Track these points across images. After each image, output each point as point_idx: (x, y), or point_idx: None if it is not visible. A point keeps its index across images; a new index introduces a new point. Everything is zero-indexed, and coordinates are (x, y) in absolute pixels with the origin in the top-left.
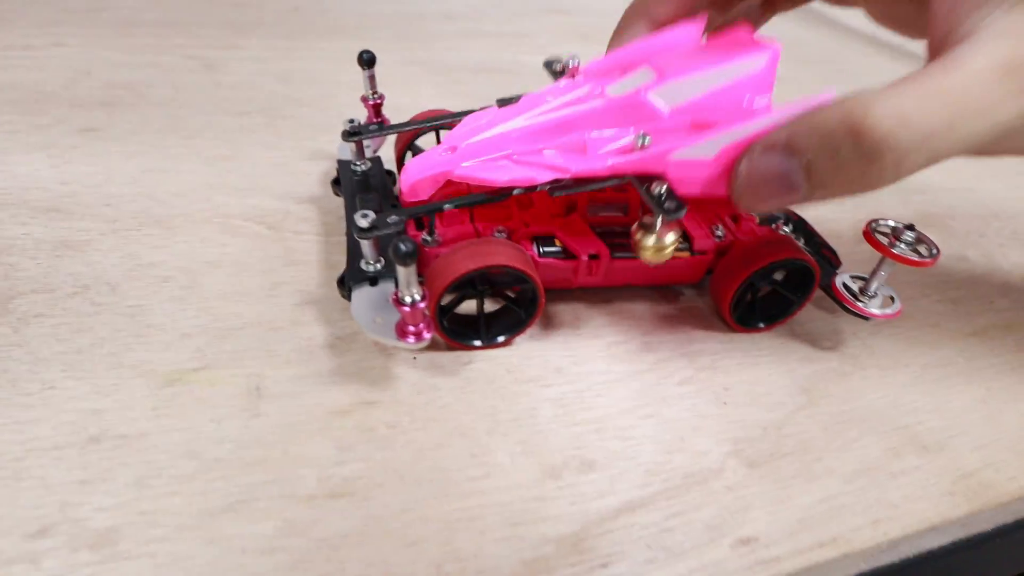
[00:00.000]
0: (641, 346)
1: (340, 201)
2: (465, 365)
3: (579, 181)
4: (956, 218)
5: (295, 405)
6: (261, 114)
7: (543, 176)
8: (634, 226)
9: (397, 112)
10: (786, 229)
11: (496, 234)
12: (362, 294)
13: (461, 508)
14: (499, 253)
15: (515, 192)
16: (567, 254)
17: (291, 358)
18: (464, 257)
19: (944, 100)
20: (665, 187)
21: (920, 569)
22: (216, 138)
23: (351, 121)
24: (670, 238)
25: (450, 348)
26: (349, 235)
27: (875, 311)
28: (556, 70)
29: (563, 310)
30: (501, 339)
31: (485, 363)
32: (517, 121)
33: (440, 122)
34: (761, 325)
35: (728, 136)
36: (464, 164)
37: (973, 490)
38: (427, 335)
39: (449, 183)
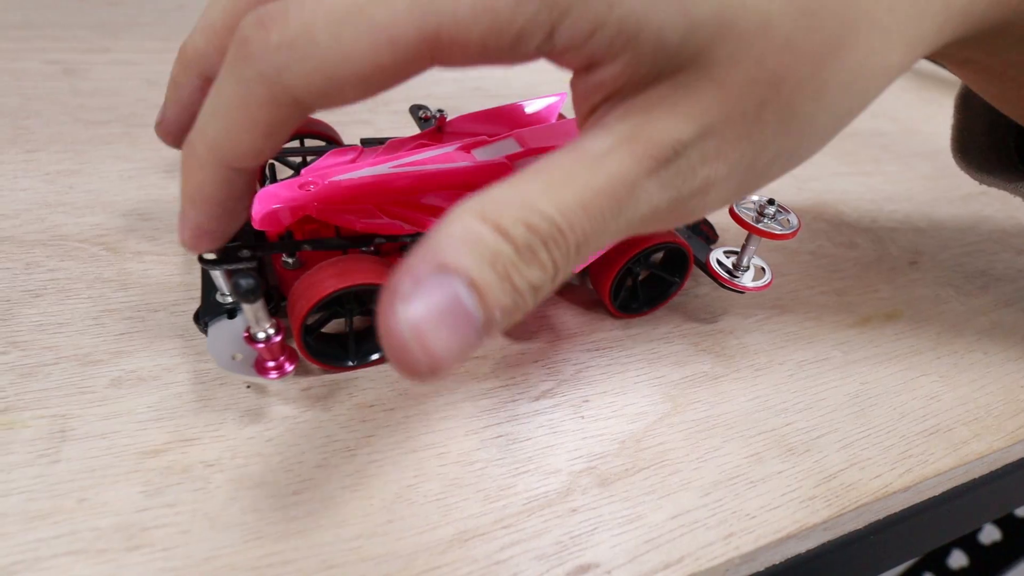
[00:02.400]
0: (500, 360)
1: None
2: (303, 391)
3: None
4: (848, 203)
5: (103, 447)
6: (120, 123)
7: (406, 228)
8: None
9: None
10: None
11: (364, 250)
12: (219, 329)
13: (274, 553)
14: (365, 271)
15: (376, 241)
16: None
17: (107, 395)
18: (327, 277)
19: (574, 189)
20: None
21: (789, 573)
22: (64, 151)
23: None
24: None
25: (324, 372)
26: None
27: (748, 284)
28: (421, 117)
29: None
30: (375, 357)
31: (324, 388)
32: (383, 167)
33: (303, 148)
34: (644, 309)
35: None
36: (324, 203)
37: (835, 492)
38: (289, 367)
39: (308, 217)
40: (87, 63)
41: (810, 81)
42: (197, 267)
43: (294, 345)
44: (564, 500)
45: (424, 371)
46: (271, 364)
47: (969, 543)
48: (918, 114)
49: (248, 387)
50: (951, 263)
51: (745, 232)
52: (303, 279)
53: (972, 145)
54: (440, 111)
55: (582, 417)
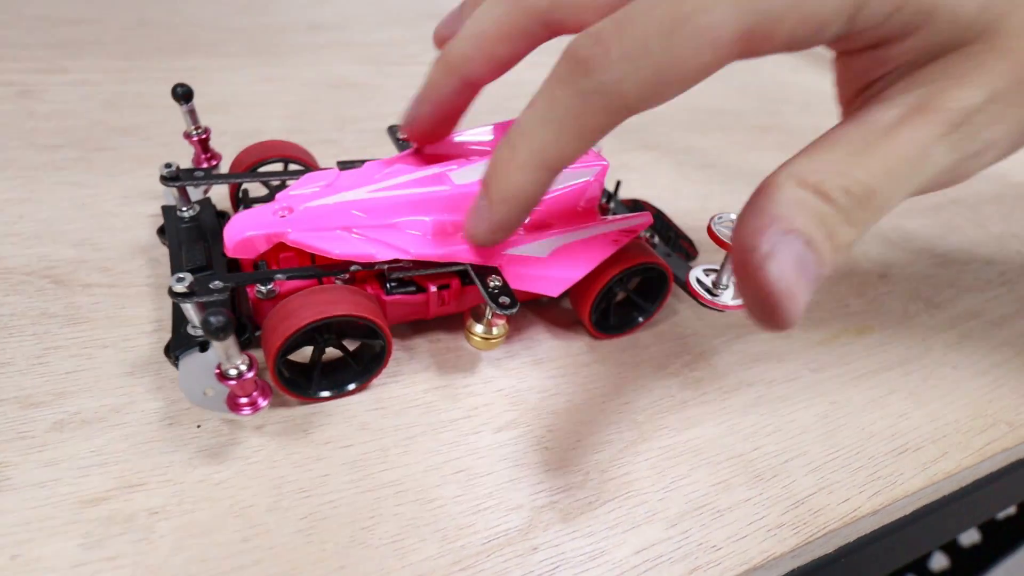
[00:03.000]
0: (461, 389)
1: (154, 245)
2: (257, 429)
3: (417, 264)
4: None
5: (41, 497)
6: (74, 147)
7: (382, 254)
8: (467, 311)
9: (239, 139)
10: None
11: (339, 279)
12: (190, 363)
13: None
14: (341, 301)
15: (352, 268)
16: (418, 288)
17: (47, 440)
18: (302, 307)
19: (879, 156)
20: (500, 282)
21: None
22: (14, 178)
23: (168, 165)
24: (498, 330)
25: (301, 404)
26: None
27: (727, 302)
28: (399, 138)
29: None
30: (352, 387)
31: (280, 425)
32: (360, 192)
33: (283, 172)
34: (622, 330)
35: (560, 239)
36: (300, 230)
37: (803, 519)
38: (263, 402)
39: (282, 244)
40: (44, 84)
41: None
42: (148, 299)
43: (267, 378)
44: (525, 538)
45: (791, 319)
46: (244, 400)
47: (949, 545)
48: None
49: (199, 427)
50: (921, 275)
51: (723, 252)
52: (278, 309)
53: None
54: None
55: (546, 448)
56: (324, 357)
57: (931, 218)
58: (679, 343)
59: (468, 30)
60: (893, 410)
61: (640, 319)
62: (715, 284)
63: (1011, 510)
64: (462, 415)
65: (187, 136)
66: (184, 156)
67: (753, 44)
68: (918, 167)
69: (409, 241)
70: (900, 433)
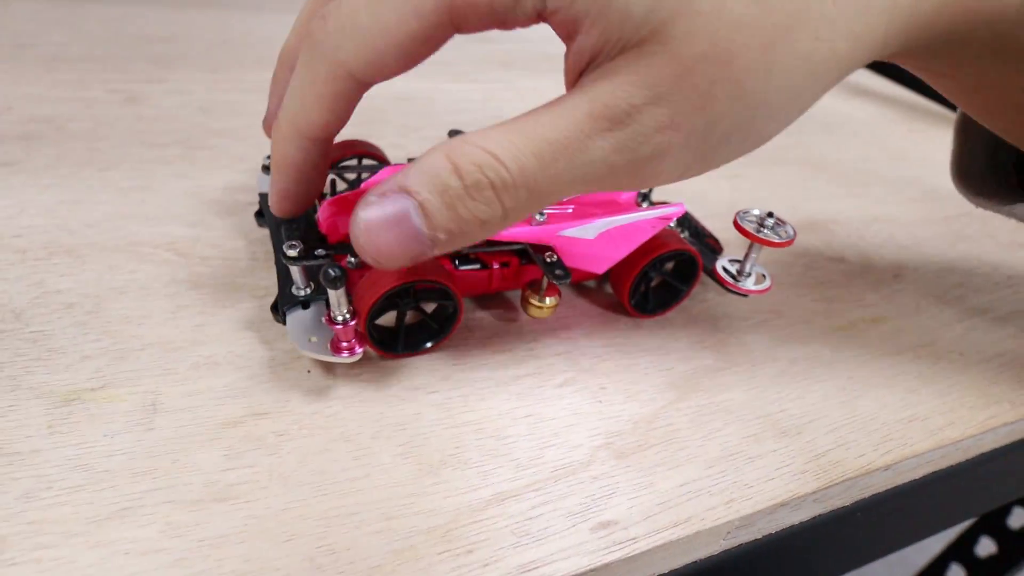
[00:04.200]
0: (526, 352)
1: (252, 228)
2: (356, 376)
3: (487, 242)
4: (839, 222)
5: (188, 418)
6: (178, 145)
7: None
8: (524, 286)
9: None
10: (672, 224)
11: None
12: (296, 317)
13: (339, 506)
14: (420, 268)
15: None
16: (482, 265)
17: (188, 375)
18: (389, 273)
19: (533, 137)
20: (556, 257)
21: (789, 543)
22: (132, 170)
23: (268, 157)
24: (551, 300)
25: (381, 358)
26: (278, 263)
27: (750, 287)
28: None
29: None
30: (429, 345)
31: (375, 373)
32: None
33: (360, 165)
34: (659, 310)
35: (604, 223)
36: None
37: (823, 468)
38: (359, 349)
39: None
40: (146, 92)
41: (760, 61)
42: (252, 271)
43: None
44: (586, 469)
45: (371, 258)
46: (344, 345)
47: (966, 555)
48: (906, 142)
49: (309, 372)
50: (931, 276)
51: (747, 242)
52: (367, 276)
53: (971, 170)
54: None
55: (599, 401)
56: (406, 321)
57: (943, 227)
58: (711, 324)
59: (290, 96)
60: (905, 387)
61: (674, 301)
62: (739, 272)
63: None
64: (526, 372)
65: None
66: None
67: (458, 12)
68: (577, 155)
69: None
70: (911, 405)
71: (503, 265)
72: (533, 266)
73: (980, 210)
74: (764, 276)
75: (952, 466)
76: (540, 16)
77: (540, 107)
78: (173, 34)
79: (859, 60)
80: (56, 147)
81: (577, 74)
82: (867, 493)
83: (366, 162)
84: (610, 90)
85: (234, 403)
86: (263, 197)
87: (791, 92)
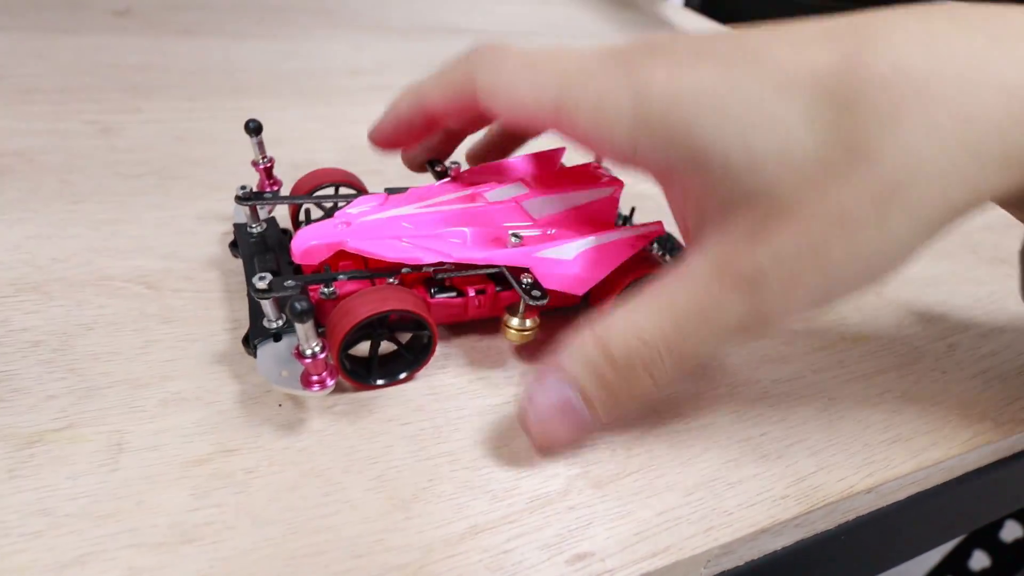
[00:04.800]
0: (502, 380)
1: (227, 259)
2: (328, 409)
3: (459, 266)
4: None
5: (155, 457)
6: (153, 176)
7: (428, 258)
8: (503, 312)
9: (294, 169)
10: (654, 246)
11: (390, 281)
12: (267, 351)
13: (309, 544)
14: (392, 298)
15: (403, 271)
16: (458, 292)
17: (156, 413)
18: (362, 304)
19: (672, 310)
20: (532, 279)
21: (772, 570)
22: (104, 202)
23: (243, 187)
24: (531, 323)
25: (356, 390)
26: (250, 295)
27: None
28: (437, 170)
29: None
30: (403, 375)
31: (348, 405)
32: (408, 208)
33: (336, 195)
34: None
35: (583, 243)
36: (357, 240)
37: (804, 492)
38: (330, 382)
39: (341, 253)
40: (121, 122)
41: (873, 217)
42: (226, 303)
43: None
44: (563, 499)
45: (543, 449)
46: (315, 378)
47: (960, 570)
48: None
49: (280, 406)
50: (914, 293)
51: None
52: (339, 308)
53: None
54: (454, 163)
55: None
56: (380, 351)
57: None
58: None
59: (429, 75)
60: (887, 407)
61: None
62: None
63: (1019, 532)
64: (502, 401)
65: (255, 164)
66: (246, 183)
67: (562, 119)
68: (714, 319)
69: (451, 247)
70: (893, 425)
71: (479, 292)
72: (510, 292)
73: (962, 227)
74: None
75: (937, 486)
76: (629, 159)
77: (676, 273)
78: (149, 63)
79: (975, 204)
80: (27, 180)
81: (688, 224)
82: (850, 516)
83: (343, 191)
84: (735, 253)
85: (203, 440)
86: (238, 228)
87: (905, 243)
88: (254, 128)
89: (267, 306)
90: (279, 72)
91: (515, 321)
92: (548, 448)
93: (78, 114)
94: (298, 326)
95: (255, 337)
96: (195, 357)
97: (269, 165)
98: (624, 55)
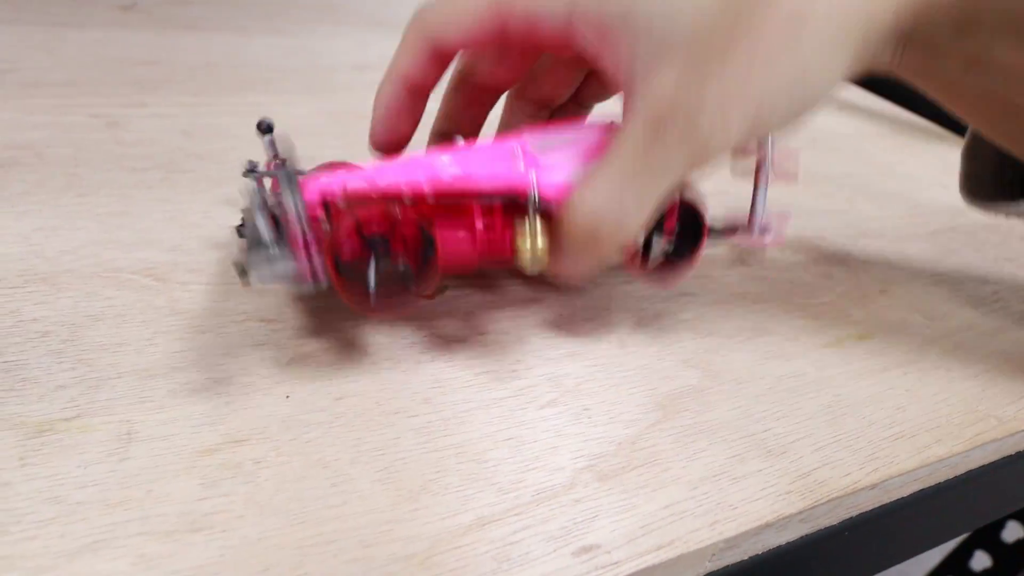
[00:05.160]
0: (509, 373)
1: (233, 252)
2: (336, 401)
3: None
4: (825, 238)
5: (164, 447)
6: (159, 169)
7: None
8: (512, 239)
9: (302, 162)
10: None
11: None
12: (261, 255)
13: (316, 534)
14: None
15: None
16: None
17: (165, 403)
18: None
19: (612, 180)
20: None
21: (776, 564)
22: (111, 195)
23: (250, 162)
24: (541, 242)
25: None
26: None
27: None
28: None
29: (438, 343)
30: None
31: (355, 399)
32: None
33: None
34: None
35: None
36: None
37: (809, 488)
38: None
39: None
40: (127, 116)
41: (783, 45)
42: (234, 295)
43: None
44: (568, 492)
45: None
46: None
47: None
48: (893, 158)
49: (288, 397)
50: (919, 292)
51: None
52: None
53: (979, 188)
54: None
55: (582, 423)
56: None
57: (930, 242)
58: (697, 343)
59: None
60: (891, 404)
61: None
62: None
63: (1020, 532)
64: (509, 394)
65: (268, 165)
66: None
67: (501, 13)
68: (660, 162)
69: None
70: (897, 423)
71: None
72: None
73: (967, 225)
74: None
75: (940, 483)
76: (566, 41)
77: (613, 141)
78: (155, 58)
79: (871, 36)
80: (34, 173)
81: (619, 85)
82: (854, 512)
83: None
84: (660, 95)
85: (211, 430)
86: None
87: (817, 69)
88: (266, 127)
89: (261, 222)
90: (284, 68)
91: (529, 240)
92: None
93: (84, 108)
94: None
95: (251, 251)
96: (202, 348)
97: (281, 163)
98: None
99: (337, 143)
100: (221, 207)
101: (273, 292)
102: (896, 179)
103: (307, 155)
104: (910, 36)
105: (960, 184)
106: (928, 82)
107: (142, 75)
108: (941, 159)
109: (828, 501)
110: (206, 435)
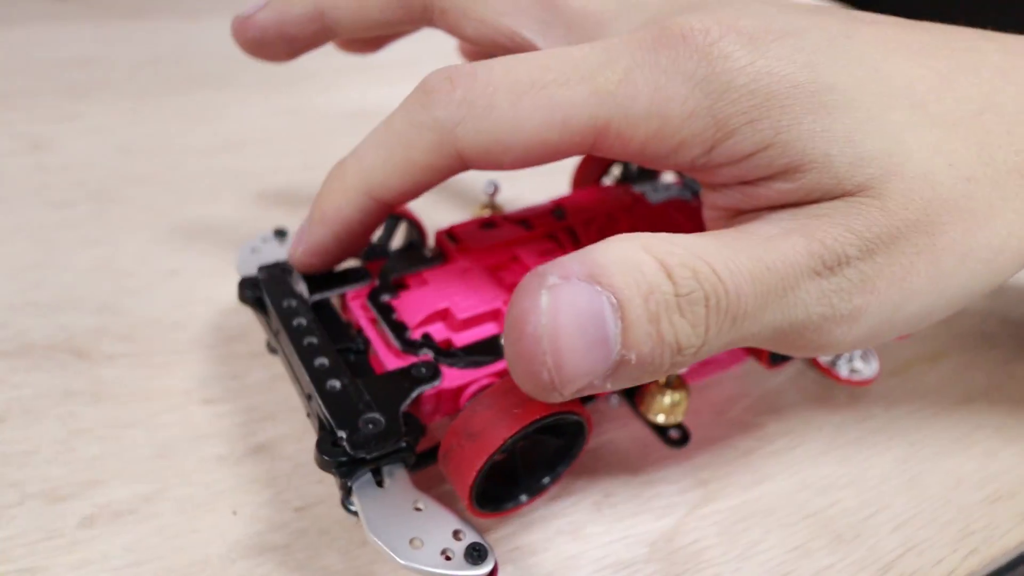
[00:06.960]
0: None
1: (171, 308)
2: (297, 512)
3: None
4: None
5: None
6: (90, 201)
7: None
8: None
9: (258, 179)
10: None
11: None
12: (371, 498)
13: None
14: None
15: None
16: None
17: (77, 538)
18: (495, 420)
19: (749, 255)
20: None
21: None
22: (28, 239)
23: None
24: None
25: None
26: (312, 386)
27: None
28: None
29: None
30: (546, 480)
31: (322, 507)
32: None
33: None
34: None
35: None
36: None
37: None
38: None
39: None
40: (55, 133)
41: (961, 243)
42: (174, 368)
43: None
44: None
45: (544, 382)
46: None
47: None
48: None
49: (234, 513)
50: (999, 293)
51: None
52: (461, 439)
53: None
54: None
55: (604, 516)
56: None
57: None
58: (736, 384)
59: (372, 147)
60: (980, 449)
61: None
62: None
63: None
64: None
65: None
66: (199, 203)
67: (606, 141)
68: (789, 292)
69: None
70: (991, 477)
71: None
72: None
73: None
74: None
75: None
76: (696, 168)
77: (729, 230)
78: (92, 55)
79: None
80: None
81: (739, 210)
82: None
83: None
84: (823, 230)
85: (135, 575)
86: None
87: (978, 281)
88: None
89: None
90: (238, 56)
91: (665, 394)
92: (549, 384)
93: (7, 125)
94: None
95: (340, 472)
96: (129, 450)
97: None
98: (658, 36)
99: (300, 149)
100: (160, 246)
101: (216, 362)
102: None
103: (267, 166)
104: None
105: None
106: None
107: (76, 79)
108: None
109: None
110: None
